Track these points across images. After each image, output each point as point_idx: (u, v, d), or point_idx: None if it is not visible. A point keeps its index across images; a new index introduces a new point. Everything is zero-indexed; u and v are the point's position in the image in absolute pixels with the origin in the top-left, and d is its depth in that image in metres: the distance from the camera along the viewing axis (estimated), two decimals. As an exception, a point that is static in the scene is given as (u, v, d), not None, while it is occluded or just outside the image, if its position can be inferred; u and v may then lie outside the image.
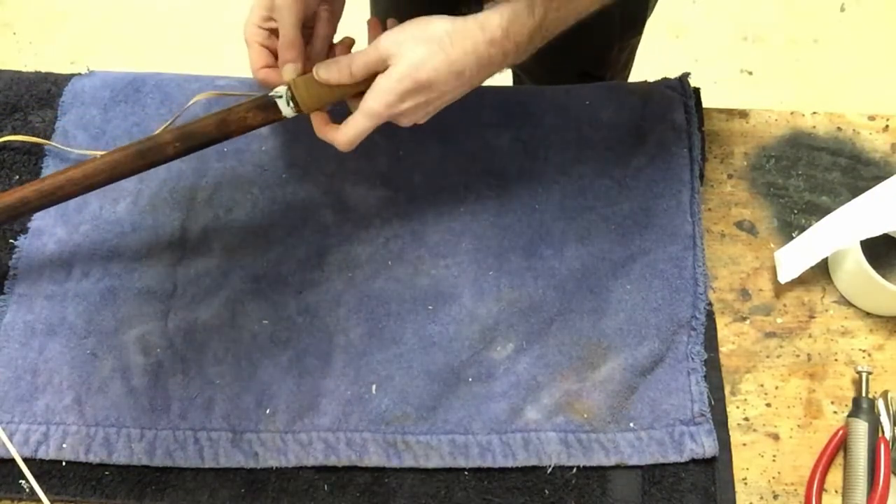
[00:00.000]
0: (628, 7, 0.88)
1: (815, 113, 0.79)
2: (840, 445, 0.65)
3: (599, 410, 0.65)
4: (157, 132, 0.66)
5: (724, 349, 0.69)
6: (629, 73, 1.04)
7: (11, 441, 0.65)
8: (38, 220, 0.74)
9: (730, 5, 1.85)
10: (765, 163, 0.77)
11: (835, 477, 0.65)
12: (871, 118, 0.79)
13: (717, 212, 0.75)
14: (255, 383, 0.67)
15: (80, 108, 0.80)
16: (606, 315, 0.69)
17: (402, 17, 0.61)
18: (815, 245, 0.70)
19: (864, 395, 0.65)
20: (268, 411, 0.66)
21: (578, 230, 0.72)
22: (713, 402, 0.66)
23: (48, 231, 0.74)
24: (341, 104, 0.64)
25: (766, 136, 0.78)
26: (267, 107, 0.64)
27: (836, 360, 0.69)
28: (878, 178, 0.74)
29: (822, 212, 0.73)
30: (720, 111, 0.80)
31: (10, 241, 0.74)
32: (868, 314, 0.70)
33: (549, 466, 0.64)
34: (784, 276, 0.70)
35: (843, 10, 1.84)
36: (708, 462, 0.64)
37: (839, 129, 0.78)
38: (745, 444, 0.66)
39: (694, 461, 0.64)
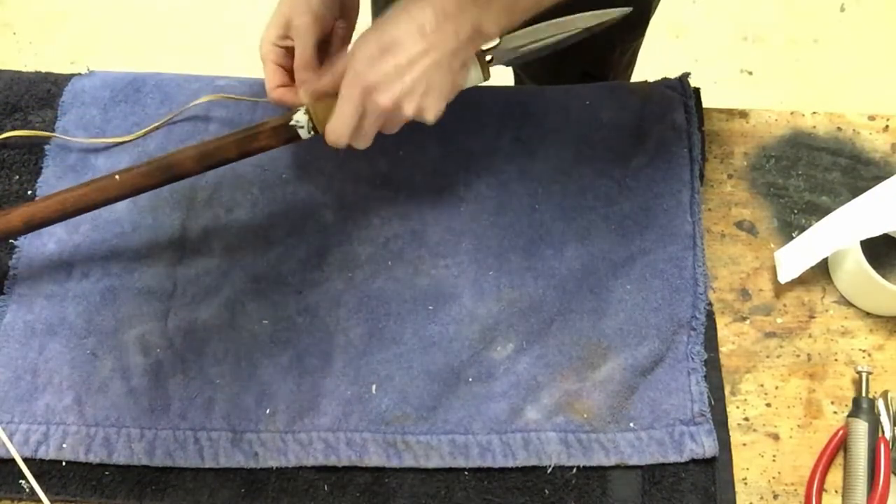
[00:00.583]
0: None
1: (815, 113, 0.79)
2: (840, 445, 0.65)
3: (599, 410, 0.65)
4: (175, 150, 0.66)
5: (724, 349, 0.69)
6: (631, 73, 1.04)
7: (11, 441, 0.65)
8: (38, 220, 0.74)
9: (730, 5, 1.85)
10: (765, 163, 0.77)
11: (835, 477, 0.65)
12: (871, 118, 0.79)
13: (717, 212, 0.75)
14: (255, 383, 0.67)
15: (80, 108, 0.80)
16: (606, 315, 0.69)
17: None
18: (815, 245, 0.70)
19: (864, 395, 0.65)
20: (268, 411, 0.66)
21: (578, 230, 0.72)
22: (713, 402, 0.66)
23: (48, 231, 0.74)
24: None
25: (766, 136, 0.78)
26: (287, 131, 0.64)
27: (836, 360, 0.69)
28: (878, 178, 0.74)
29: (822, 212, 0.73)
30: (720, 111, 0.80)
31: (10, 240, 0.74)
32: (868, 314, 0.70)
33: (549, 466, 0.64)
34: (784, 276, 0.70)
35: (843, 10, 1.84)
36: (708, 462, 0.64)
37: (839, 129, 0.78)
38: (745, 444, 0.66)
39: (694, 461, 0.64)
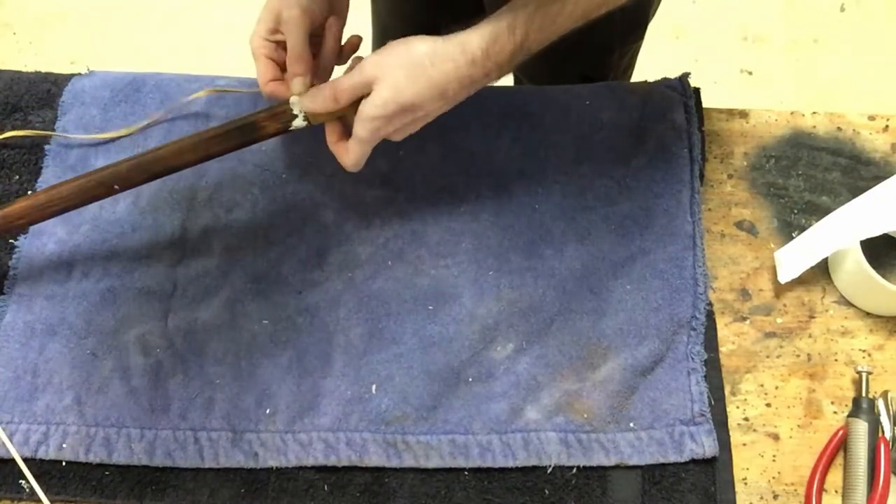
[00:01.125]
0: (629, 13, 0.88)
1: (815, 113, 0.79)
2: (840, 445, 0.65)
3: (599, 410, 0.65)
4: (169, 142, 0.66)
5: (724, 349, 0.69)
6: (630, 76, 1.04)
7: (11, 441, 0.65)
8: (38, 220, 0.74)
9: (730, 5, 1.84)
10: (765, 163, 0.77)
11: (835, 477, 0.65)
12: (871, 118, 0.79)
13: (717, 212, 0.75)
14: (255, 383, 0.67)
15: (80, 108, 0.80)
16: (606, 315, 0.69)
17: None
18: (815, 245, 0.70)
19: (864, 395, 0.65)
20: (268, 411, 0.66)
21: (578, 230, 0.72)
22: (713, 402, 0.66)
23: (48, 231, 0.74)
24: None
25: (766, 136, 0.78)
26: (283, 117, 0.64)
27: (836, 360, 0.69)
28: (878, 178, 0.74)
29: (822, 212, 0.73)
30: (720, 111, 0.80)
31: (10, 241, 0.74)
32: (868, 314, 0.70)
33: (549, 466, 0.64)
34: (784, 276, 0.70)
35: (843, 10, 1.84)
36: (708, 462, 0.64)
37: (839, 129, 0.78)
38: (745, 444, 0.66)
39: (694, 461, 0.64)
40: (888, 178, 0.72)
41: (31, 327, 0.70)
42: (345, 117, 0.64)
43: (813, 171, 0.76)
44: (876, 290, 0.67)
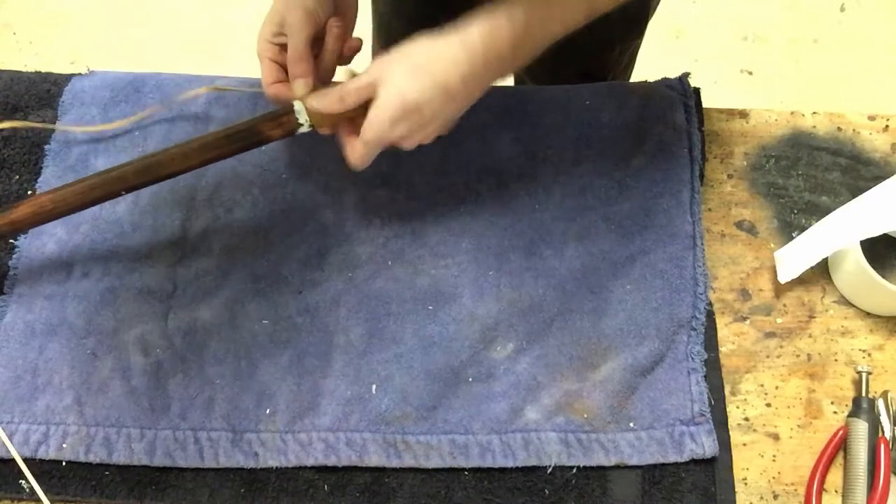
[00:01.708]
0: (629, 9, 0.88)
1: (815, 113, 0.79)
2: (840, 445, 0.65)
3: (599, 410, 0.65)
4: (172, 146, 0.66)
5: (724, 349, 0.69)
6: (630, 74, 1.04)
7: (11, 441, 0.65)
8: (38, 220, 0.74)
9: (730, 5, 1.85)
10: (765, 163, 0.77)
11: (835, 477, 0.65)
12: (871, 118, 0.79)
13: (717, 212, 0.75)
14: (255, 383, 0.67)
15: (80, 108, 0.80)
16: (606, 315, 0.69)
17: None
18: (815, 245, 0.70)
19: (864, 395, 0.65)
20: (268, 411, 0.66)
21: (578, 230, 0.72)
22: (713, 402, 0.66)
23: (48, 231, 0.74)
24: None
25: (766, 136, 0.78)
26: (286, 122, 0.64)
27: (836, 360, 0.69)
28: (878, 178, 0.74)
29: (822, 212, 0.73)
30: (720, 111, 0.80)
31: (10, 241, 0.74)
32: (868, 314, 0.70)
33: (549, 466, 0.64)
34: (784, 276, 0.70)
35: (843, 10, 1.84)
36: (708, 462, 0.64)
37: (839, 129, 0.78)
38: (745, 444, 0.66)
39: (694, 461, 0.64)
40: (888, 178, 0.72)
41: (31, 327, 0.70)
42: (353, 121, 0.64)
43: (813, 171, 0.76)
44: (876, 290, 0.67)
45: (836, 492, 0.64)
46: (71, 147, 0.78)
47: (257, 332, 0.69)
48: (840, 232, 0.69)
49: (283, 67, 0.66)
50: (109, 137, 0.79)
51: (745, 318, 0.70)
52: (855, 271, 0.68)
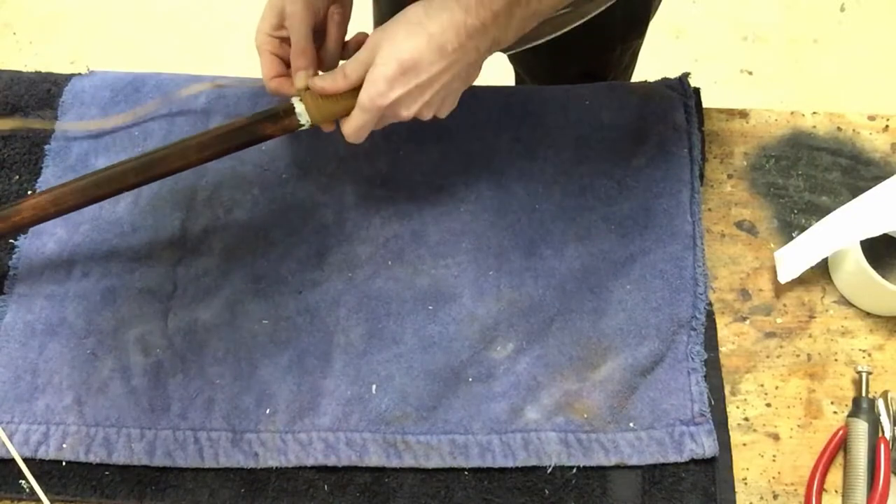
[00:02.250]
0: (631, 8, 0.88)
1: (815, 113, 0.79)
2: (840, 445, 0.65)
3: (599, 410, 0.65)
4: (173, 142, 0.66)
5: (724, 349, 0.69)
6: (631, 74, 1.04)
7: (11, 441, 0.65)
8: (38, 220, 0.74)
9: (730, 5, 1.85)
10: (765, 163, 0.77)
11: (835, 477, 0.65)
12: (871, 118, 0.79)
13: (717, 212, 0.75)
14: (255, 383, 0.67)
15: (80, 108, 0.80)
16: (606, 315, 0.69)
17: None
18: (815, 245, 0.70)
19: (864, 395, 0.65)
20: (268, 411, 0.66)
21: (578, 230, 0.72)
22: (713, 402, 0.66)
23: (48, 231, 0.74)
24: None
25: (766, 136, 0.78)
26: (286, 118, 0.64)
27: (836, 360, 0.69)
28: (878, 178, 0.74)
29: (822, 212, 0.73)
30: (720, 111, 0.80)
31: (10, 241, 0.74)
32: (868, 314, 0.70)
33: (549, 466, 0.64)
34: (784, 276, 0.70)
35: (843, 10, 1.84)
36: (708, 462, 0.64)
37: (839, 129, 0.78)
38: (745, 444, 0.66)
39: (694, 461, 0.64)
40: (888, 178, 0.72)
41: (31, 327, 0.70)
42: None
43: (813, 171, 0.76)
44: (876, 290, 0.67)
45: (836, 492, 0.64)
46: (71, 147, 0.78)
47: (257, 332, 0.69)
48: (840, 232, 0.69)
49: (284, 61, 0.66)
50: (109, 137, 0.79)
51: (745, 318, 0.70)
52: (855, 271, 0.68)
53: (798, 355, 0.69)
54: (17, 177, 0.77)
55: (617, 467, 0.64)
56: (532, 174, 0.75)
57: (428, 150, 0.77)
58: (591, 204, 0.74)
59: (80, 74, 0.83)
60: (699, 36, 1.82)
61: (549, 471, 0.64)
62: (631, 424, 0.65)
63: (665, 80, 0.80)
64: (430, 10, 0.58)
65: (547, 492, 0.63)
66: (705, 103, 0.79)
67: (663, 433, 0.64)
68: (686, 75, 0.79)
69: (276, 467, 0.64)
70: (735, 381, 0.68)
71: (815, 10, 1.84)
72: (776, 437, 0.66)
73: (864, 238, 0.67)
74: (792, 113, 0.79)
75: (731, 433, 0.66)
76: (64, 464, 0.65)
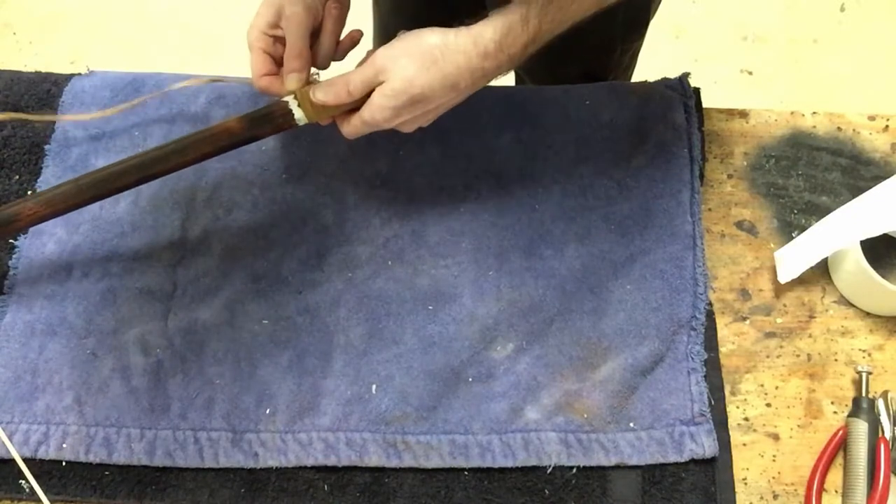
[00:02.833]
0: (631, 9, 0.88)
1: (815, 113, 0.79)
2: (840, 445, 0.65)
3: (599, 410, 0.65)
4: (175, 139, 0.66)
5: (724, 349, 0.69)
6: (631, 75, 1.04)
7: (11, 441, 0.65)
8: (38, 220, 0.74)
9: (730, 5, 1.85)
10: (765, 163, 0.77)
11: (835, 477, 0.65)
12: (871, 118, 0.79)
13: (717, 212, 0.75)
14: (255, 383, 0.67)
15: (80, 108, 0.80)
16: (606, 315, 0.69)
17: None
18: (815, 245, 0.70)
19: (864, 395, 0.65)
20: (268, 411, 0.66)
21: (578, 230, 0.72)
22: (713, 402, 0.66)
23: (48, 231, 0.74)
24: None
25: (766, 136, 0.78)
26: (281, 117, 0.64)
27: (836, 360, 0.69)
28: (878, 178, 0.74)
29: (822, 212, 0.73)
30: (720, 111, 0.80)
31: (10, 241, 0.74)
32: (868, 314, 0.70)
33: (549, 466, 0.64)
34: (784, 276, 0.70)
35: (843, 10, 1.84)
36: (708, 462, 0.64)
37: (839, 129, 0.78)
38: (745, 444, 0.66)
39: (694, 461, 0.64)
40: (888, 178, 0.72)
41: (31, 327, 0.70)
42: (351, 112, 0.63)
43: (813, 171, 0.76)
44: (876, 290, 0.67)
45: (836, 492, 0.64)
46: (71, 147, 0.78)
47: (257, 332, 0.69)
48: (840, 232, 0.69)
49: (275, 59, 0.66)
50: (109, 138, 0.79)
51: (745, 318, 0.70)
52: (855, 271, 0.68)
53: (798, 355, 0.69)
54: (17, 177, 0.77)
55: (617, 467, 0.64)
56: (532, 174, 0.75)
57: (428, 150, 0.77)
58: (591, 204, 0.74)
59: (80, 74, 0.83)
60: (699, 36, 1.82)
61: (549, 471, 0.64)
62: (631, 424, 0.65)
63: (665, 80, 0.80)
64: (446, 50, 0.58)
65: (547, 492, 0.63)
66: (705, 103, 0.79)
67: (663, 433, 0.64)
68: (686, 75, 0.79)
69: (276, 467, 0.64)
70: (735, 381, 0.68)
71: (815, 10, 1.84)
72: (776, 437, 0.66)
73: (864, 238, 0.67)
74: (792, 113, 0.79)
75: (731, 433, 0.66)
76: (64, 464, 0.65)
